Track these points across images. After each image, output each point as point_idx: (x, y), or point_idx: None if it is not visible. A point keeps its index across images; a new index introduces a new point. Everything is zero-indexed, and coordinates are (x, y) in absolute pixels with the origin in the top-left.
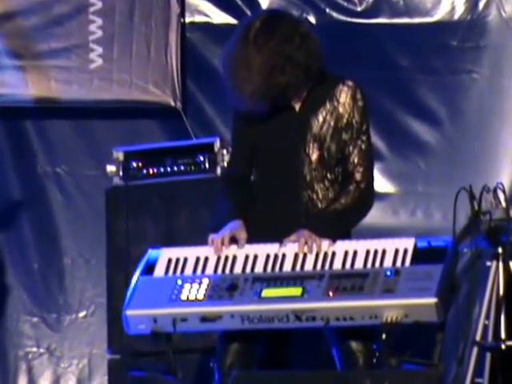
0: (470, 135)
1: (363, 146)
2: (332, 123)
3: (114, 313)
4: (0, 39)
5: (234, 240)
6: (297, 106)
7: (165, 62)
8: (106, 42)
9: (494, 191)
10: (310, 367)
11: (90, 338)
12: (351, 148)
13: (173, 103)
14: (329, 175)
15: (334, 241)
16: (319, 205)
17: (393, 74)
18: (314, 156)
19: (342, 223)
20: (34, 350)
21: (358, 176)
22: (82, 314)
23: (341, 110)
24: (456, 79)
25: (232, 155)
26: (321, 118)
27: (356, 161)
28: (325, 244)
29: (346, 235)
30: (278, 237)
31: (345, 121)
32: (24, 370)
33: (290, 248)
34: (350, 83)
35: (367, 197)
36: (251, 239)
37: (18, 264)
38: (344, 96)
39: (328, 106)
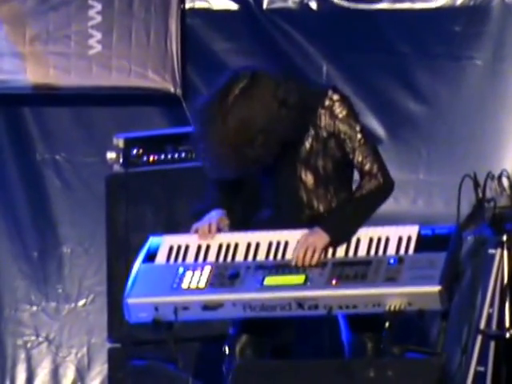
0: (472, 122)
1: (362, 143)
2: (320, 146)
3: (114, 301)
4: None
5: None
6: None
7: (164, 48)
8: (105, 27)
9: (499, 178)
10: (314, 356)
11: (89, 327)
12: (351, 155)
13: (173, 90)
14: (331, 188)
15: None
16: (324, 215)
17: (394, 61)
18: (310, 181)
19: (362, 212)
20: (33, 338)
21: (368, 167)
22: (81, 303)
23: (324, 133)
24: (458, 65)
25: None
26: (307, 145)
27: (361, 159)
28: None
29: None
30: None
31: (334, 139)
32: (23, 359)
33: (293, 235)
34: (327, 103)
35: (383, 181)
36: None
37: (17, 252)
38: (323, 119)
39: (312, 131)
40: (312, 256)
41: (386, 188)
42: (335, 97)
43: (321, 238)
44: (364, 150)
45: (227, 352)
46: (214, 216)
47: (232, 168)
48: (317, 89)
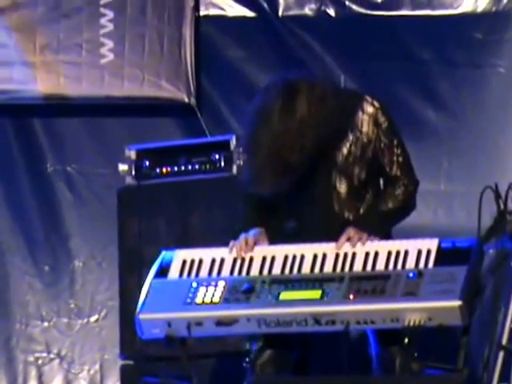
0: (495, 131)
1: (400, 159)
2: (358, 153)
3: (127, 317)
4: (8, 34)
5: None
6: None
7: (178, 56)
8: (117, 36)
9: None
10: (332, 372)
11: (101, 343)
12: (388, 168)
13: (186, 99)
14: (362, 197)
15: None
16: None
17: (414, 69)
18: (343, 189)
19: (387, 225)
20: (44, 355)
21: (404, 181)
22: (93, 318)
23: (365, 139)
24: (480, 73)
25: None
26: (345, 151)
27: (398, 173)
28: (368, 243)
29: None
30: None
31: (372, 147)
32: (34, 376)
33: (309, 249)
34: (370, 110)
35: (413, 199)
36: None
37: (28, 266)
38: (366, 125)
39: (351, 137)
40: (358, 240)
41: (414, 205)
42: (377, 104)
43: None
44: (402, 165)
45: (248, 367)
46: (252, 234)
47: (271, 180)
48: (352, 93)
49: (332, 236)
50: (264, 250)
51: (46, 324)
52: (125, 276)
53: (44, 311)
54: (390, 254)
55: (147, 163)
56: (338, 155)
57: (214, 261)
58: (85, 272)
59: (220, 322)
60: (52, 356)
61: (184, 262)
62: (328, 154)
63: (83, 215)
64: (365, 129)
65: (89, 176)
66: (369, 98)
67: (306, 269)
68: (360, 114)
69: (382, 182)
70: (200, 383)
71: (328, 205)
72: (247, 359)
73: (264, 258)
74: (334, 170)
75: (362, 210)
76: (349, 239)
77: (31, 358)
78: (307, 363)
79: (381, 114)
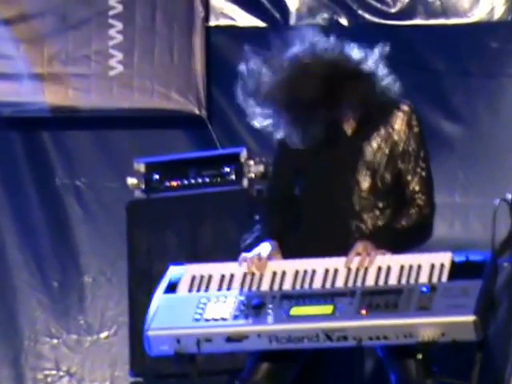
0: (510, 141)
1: (423, 174)
2: (387, 151)
3: (137, 333)
4: (15, 45)
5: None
6: (349, 131)
7: (188, 67)
8: (126, 47)
9: None
10: None
11: (111, 360)
12: (410, 177)
13: (197, 111)
14: (380, 204)
15: None
16: (367, 233)
17: (428, 78)
18: (365, 184)
19: (400, 243)
20: (54, 372)
21: (420, 202)
22: (103, 335)
23: (396, 137)
24: (495, 83)
25: (273, 179)
26: (375, 145)
27: (418, 188)
28: (380, 257)
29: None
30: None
31: (400, 148)
32: None
33: (321, 263)
34: (406, 108)
35: (429, 224)
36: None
37: (36, 282)
38: (399, 123)
39: (383, 132)
40: (367, 256)
41: (429, 231)
42: (413, 107)
43: (371, 245)
44: (423, 181)
45: None
46: (265, 247)
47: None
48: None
49: (347, 238)
50: (275, 265)
51: (55, 341)
52: (134, 291)
53: (53, 328)
54: (402, 268)
55: (156, 176)
56: (368, 148)
57: (223, 276)
58: (94, 288)
59: (230, 338)
60: (61, 373)
61: (193, 278)
62: (357, 145)
63: (92, 230)
64: (397, 126)
65: (98, 190)
66: (406, 101)
67: (317, 284)
68: (395, 111)
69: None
70: None
71: (348, 200)
72: (239, 377)
73: (274, 273)
74: (361, 162)
75: (379, 222)
76: (358, 254)
77: (40, 376)
78: (315, 378)
79: (415, 118)
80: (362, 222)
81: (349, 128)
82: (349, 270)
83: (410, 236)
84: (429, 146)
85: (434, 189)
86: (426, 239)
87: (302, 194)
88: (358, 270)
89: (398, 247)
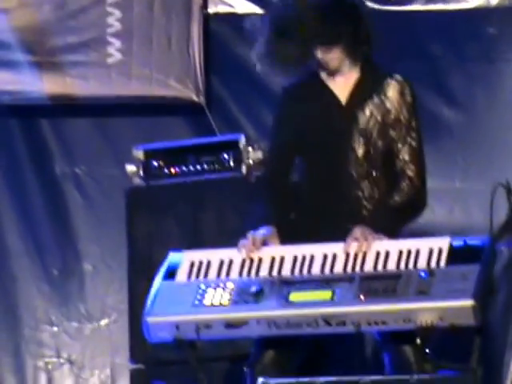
0: (510, 127)
1: (413, 144)
2: (379, 118)
3: (136, 320)
4: (14, 34)
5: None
6: (343, 99)
7: (187, 55)
8: (124, 35)
9: None
10: (348, 373)
11: (112, 347)
12: (400, 145)
13: (195, 98)
14: (374, 172)
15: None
16: (365, 203)
17: (427, 64)
18: (360, 151)
19: (397, 220)
20: (54, 360)
21: (410, 172)
22: (103, 322)
23: (388, 105)
24: (493, 68)
25: (272, 150)
26: (368, 112)
27: (407, 158)
28: (377, 242)
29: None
30: (321, 235)
31: (392, 117)
32: (44, 381)
33: (319, 249)
34: (399, 78)
35: (421, 194)
36: (293, 239)
37: (36, 270)
38: (392, 91)
39: (375, 99)
40: (365, 241)
41: (422, 204)
42: (407, 80)
43: (369, 230)
44: (413, 151)
45: (248, 372)
46: (261, 232)
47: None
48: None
49: (346, 206)
50: (273, 251)
51: (55, 328)
52: (134, 279)
53: (53, 315)
54: (401, 253)
55: (155, 163)
56: (361, 115)
57: (222, 262)
58: (94, 275)
59: (229, 324)
60: (62, 361)
61: (192, 264)
62: (350, 115)
63: (92, 217)
64: (390, 94)
65: (97, 177)
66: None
67: (315, 269)
68: (389, 79)
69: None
70: None
71: (345, 169)
72: (246, 364)
73: (273, 259)
74: (355, 129)
75: (375, 193)
76: (356, 239)
77: (41, 363)
78: (318, 365)
79: (408, 89)
80: (359, 190)
81: (342, 96)
82: (347, 255)
83: (404, 211)
84: (428, 132)
85: (424, 161)
86: (421, 211)
87: (299, 165)
88: (356, 255)
89: (395, 224)
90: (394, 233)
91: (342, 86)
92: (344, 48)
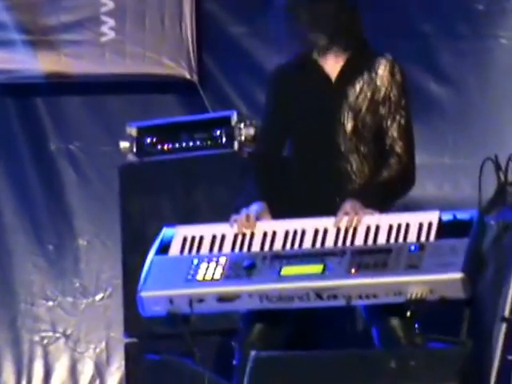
0: (498, 103)
1: (402, 121)
2: (368, 94)
3: (131, 295)
4: (8, 13)
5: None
6: (333, 76)
7: (179, 33)
8: (117, 14)
9: None
10: (339, 347)
11: (107, 322)
12: (389, 122)
13: (188, 76)
14: (362, 147)
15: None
16: (354, 177)
17: (415, 41)
18: (349, 126)
19: (386, 196)
20: (50, 334)
21: (398, 149)
22: (98, 297)
23: (378, 82)
24: (482, 45)
25: (264, 127)
26: (357, 88)
27: (395, 135)
28: (368, 217)
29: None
30: (312, 209)
31: (382, 94)
32: (40, 355)
33: (310, 223)
34: (389, 57)
35: (409, 171)
36: (284, 214)
37: (32, 246)
38: (382, 68)
39: (365, 76)
40: (355, 216)
41: (411, 181)
42: (396, 61)
43: (359, 204)
44: (402, 129)
45: (236, 346)
46: (254, 208)
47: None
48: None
49: (334, 179)
50: (265, 226)
51: (51, 303)
52: (128, 254)
53: (49, 290)
54: (391, 227)
55: (149, 140)
56: (351, 91)
57: (214, 237)
58: (89, 250)
59: (222, 298)
60: (57, 335)
61: (185, 239)
62: (340, 89)
63: (87, 193)
64: (380, 72)
65: (92, 154)
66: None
67: (307, 243)
68: (379, 57)
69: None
70: (204, 359)
71: (333, 141)
72: (235, 338)
73: (265, 234)
74: (344, 105)
75: (364, 168)
76: (346, 214)
77: (37, 338)
78: (310, 338)
79: (398, 68)
80: (347, 164)
81: (333, 73)
82: (338, 229)
83: (393, 186)
84: (418, 109)
85: (413, 139)
86: (410, 187)
87: (290, 141)
88: (347, 229)
89: (384, 200)
90: (383, 208)
91: (333, 64)
92: (331, 30)
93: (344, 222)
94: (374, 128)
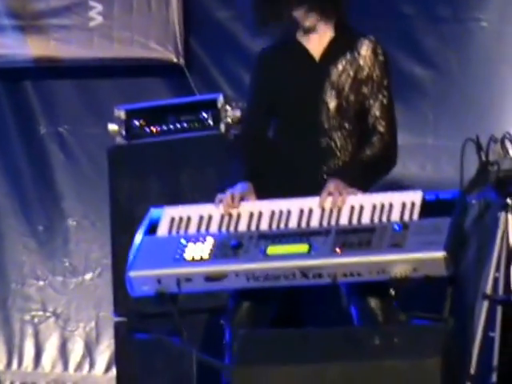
0: (479, 85)
1: (384, 101)
2: (351, 73)
3: (119, 275)
4: None
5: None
6: (316, 56)
7: (166, 17)
8: None
9: (502, 141)
10: (325, 325)
11: (96, 301)
12: (372, 101)
13: (175, 59)
14: (346, 125)
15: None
16: (338, 154)
17: (397, 23)
18: (332, 104)
19: (369, 174)
20: (40, 313)
21: (380, 128)
22: (88, 277)
23: (361, 62)
24: (463, 27)
25: (249, 109)
26: (340, 67)
27: (378, 114)
28: (351, 196)
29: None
30: (298, 187)
31: (365, 73)
32: (30, 334)
33: (296, 203)
34: (372, 38)
35: (391, 150)
36: (270, 193)
37: (22, 227)
38: (365, 49)
39: (348, 56)
40: (340, 196)
41: (393, 160)
42: (379, 42)
43: (342, 184)
44: (384, 108)
45: (224, 324)
46: (239, 188)
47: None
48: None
49: (318, 156)
50: (251, 206)
51: (41, 283)
52: (117, 235)
53: (39, 270)
54: (374, 207)
55: (137, 123)
56: (333, 70)
57: (201, 217)
58: (78, 231)
59: (209, 278)
60: (48, 314)
61: (172, 219)
62: (324, 68)
63: (76, 175)
64: (363, 52)
65: (81, 136)
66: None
67: (292, 223)
68: (362, 38)
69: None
70: (192, 338)
71: (316, 119)
72: (223, 317)
73: (251, 214)
74: (327, 83)
75: (348, 145)
76: (330, 194)
77: (27, 317)
78: (296, 317)
79: (380, 49)
80: (331, 140)
81: (316, 54)
82: (323, 209)
83: (376, 164)
84: (400, 90)
85: (395, 118)
86: (392, 166)
87: (274, 120)
88: (331, 209)
89: (367, 178)
90: (366, 187)
91: (317, 44)
92: (315, 8)
93: (328, 203)
94: (357, 106)
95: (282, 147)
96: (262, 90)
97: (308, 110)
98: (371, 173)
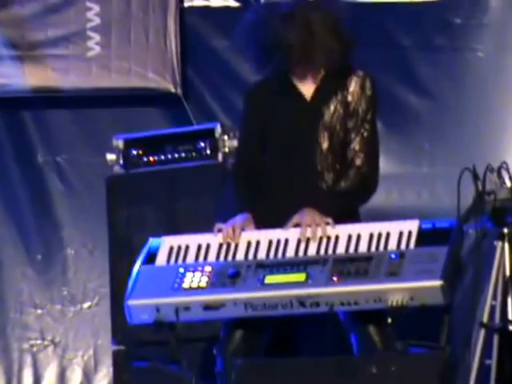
0: (475, 114)
1: (365, 134)
2: (341, 112)
3: (118, 303)
4: None
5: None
6: (308, 95)
7: (164, 47)
8: (103, 29)
9: (498, 171)
10: (320, 353)
11: (95, 329)
12: (353, 135)
13: (173, 89)
14: (337, 165)
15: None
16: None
17: (395, 53)
18: (325, 145)
19: (341, 205)
20: (39, 342)
21: (358, 161)
22: (86, 305)
23: (349, 98)
24: (459, 57)
25: (241, 143)
26: (332, 108)
27: (357, 148)
28: (328, 227)
29: (356, 219)
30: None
31: (351, 108)
32: (29, 363)
33: (293, 233)
34: (361, 73)
35: (369, 182)
36: (267, 222)
37: (21, 255)
38: (353, 85)
39: (339, 96)
40: (317, 227)
41: (371, 190)
42: (369, 74)
43: (317, 214)
44: (364, 141)
45: (217, 354)
46: (239, 219)
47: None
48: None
49: (311, 197)
50: (249, 235)
51: (39, 311)
52: (115, 263)
53: (38, 299)
54: (371, 235)
55: (135, 152)
56: (326, 111)
57: (200, 246)
58: (77, 260)
59: (207, 307)
60: (46, 343)
61: (171, 249)
62: (318, 111)
63: (74, 204)
64: (351, 88)
65: (79, 166)
66: (363, 71)
67: (290, 252)
68: (352, 75)
69: None
70: (189, 366)
71: (309, 161)
72: (216, 346)
73: (249, 243)
74: (320, 125)
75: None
76: (308, 226)
77: (26, 346)
78: (291, 346)
79: (369, 82)
80: (323, 182)
81: (308, 93)
82: (321, 238)
83: (350, 195)
84: (396, 119)
85: (376, 150)
86: (369, 196)
87: (266, 157)
88: (329, 238)
89: (341, 208)
90: (340, 215)
91: (308, 83)
92: (312, 66)
93: (309, 233)
94: (343, 141)
95: (272, 186)
96: (254, 122)
97: (301, 151)
98: (346, 203)
